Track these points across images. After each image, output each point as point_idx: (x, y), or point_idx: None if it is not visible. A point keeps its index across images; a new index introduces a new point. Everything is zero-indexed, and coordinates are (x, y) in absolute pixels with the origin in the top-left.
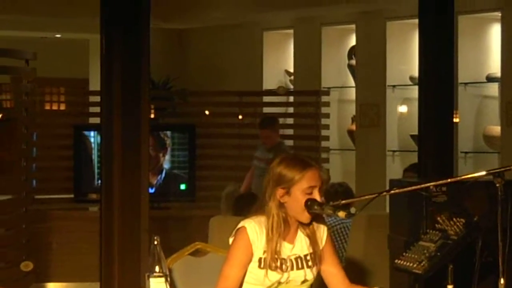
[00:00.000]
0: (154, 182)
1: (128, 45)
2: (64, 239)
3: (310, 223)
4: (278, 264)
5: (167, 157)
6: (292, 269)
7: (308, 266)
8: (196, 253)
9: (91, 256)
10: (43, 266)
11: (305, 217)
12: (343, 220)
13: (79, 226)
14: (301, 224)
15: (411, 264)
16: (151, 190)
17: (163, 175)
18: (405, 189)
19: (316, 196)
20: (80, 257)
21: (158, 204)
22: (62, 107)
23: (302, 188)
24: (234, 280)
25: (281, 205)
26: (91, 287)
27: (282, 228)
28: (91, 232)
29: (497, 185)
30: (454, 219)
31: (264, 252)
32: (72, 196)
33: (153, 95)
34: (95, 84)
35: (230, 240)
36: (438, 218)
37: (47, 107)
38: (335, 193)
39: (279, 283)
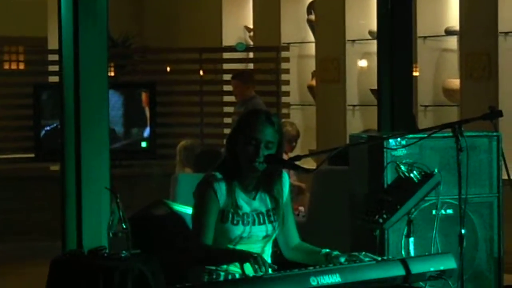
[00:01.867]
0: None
1: (85, 2)
2: (25, 197)
3: (271, 179)
4: (240, 218)
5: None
6: (253, 224)
7: (269, 221)
8: (157, 210)
9: (52, 215)
10: (3, 225)
11: (251, 168)
12: None
13: (40, 185)
14: (263, 179)
15: (371, 217)
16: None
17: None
18: (364, 143)
19: (258, 150)
20: (41, 215)
21: (119, 162)
22: (21, 66)
23: (245, 137)
24: (208, 227)
25: (233, 156)
26: (53, 246)
27: (239, 181)
28: (52, 190)
29: (455, 138)
30: (414, 171)
31: (226, 205)
32: (33, 155)
33: (112, 53)
34: (54, 42)
35: (195, 195)
36: (398, 171)
37: (6, 66)
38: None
39: (241, 237)
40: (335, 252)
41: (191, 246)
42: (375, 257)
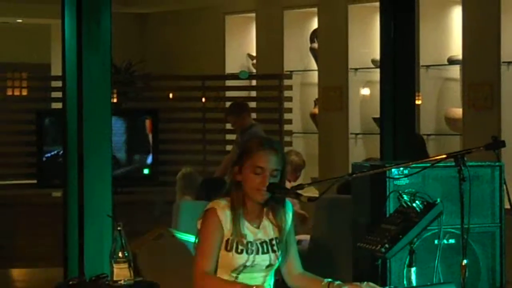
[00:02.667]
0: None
1: (89, 30)
2: (27, 224)
3: (274, 208)
4: (244, 247)
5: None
6: (257, 253)
7: (273, 251)
8: (159, 237)
9: (54, 241)
10: (6, 252)
11: (257, 197)
12: None
13: (42, 211)
14: (267, 208)
15: (373, 247)
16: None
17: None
18: (367, 172)
19: (264, 178)
20: (43, 242)
21: (121, 189)
22: (24, 92)
23: (250, 166)
24: (211, 257)
25: (238, 185)
26: (55, 272)
27: (244, 210)
28: (54, 217)
29: (458, 168)
30: (417, 201)
31: (231, 234)
32: (35, 181)
33: (115, 80)
34: (57, 69)
35: (199, 223)
36: (400, 201)
37: (9, 92)
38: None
39: (245, 266)
40: (338, 282)
41: (194, 275)
42: (378, 287)
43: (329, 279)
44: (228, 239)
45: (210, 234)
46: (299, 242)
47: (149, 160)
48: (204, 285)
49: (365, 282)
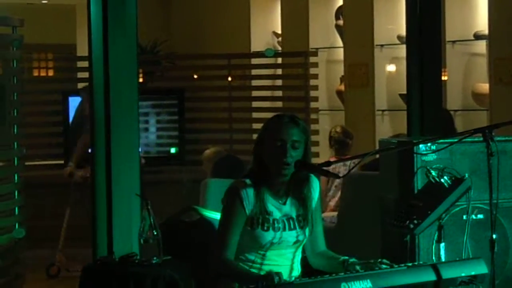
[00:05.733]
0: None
1: (115, 10)
2: (56, 205)
3: (299, 184)
4: (270, 224)
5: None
6: (284, 229)
7: (300, 227)
8: (187, 216)
9: (83, 221)
10: (35, 232)
11: (280, 170)
12: None
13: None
14: (292, 185)
15: (402, 223)
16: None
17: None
18: (395, 149)
19: (285, 150)
20: (72, 222)
21: (149, 168)
22: (50, 73)
23: (271, 140)
24: (230, 240)
25: (261, 162)
26: (83, 252)
27: (268, 187)
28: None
29: (485, 142)
30: (445, 176)
31: (256, 212)
32: (62, 162)
33: (141, 60)
34: (83, 49)
35: (223, 201)
36: (428, 176)
37: (36, 73)
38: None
39: (272, 243)
40: (352, 259)
41: (212, 260)
42: (391, 264)
43: (345, 257)
44: (253, 217)
45: (231, 217)
46: (323, 219)
47: (176, 139)
48: (221, 271)
49: (379, 259)
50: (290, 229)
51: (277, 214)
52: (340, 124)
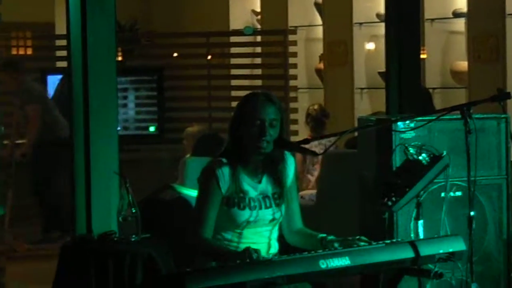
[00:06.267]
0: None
1: None
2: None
3: (274, 162)
4: (246, 203)
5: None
6: (260, 208)
7: (276, 205)
8: (166, 194)
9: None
10: None
11: (258, 149)
12: None
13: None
14: (267, 163)
15: (380, 200)
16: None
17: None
18: (373, 126)
19: (264, 129)
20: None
21: (127, 147)
22: (29, 51)
23: (249, 119)
24: (208, 219)
25: (236, 139)
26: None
27: (244, 166)
28: None
29: (464, 120)
30: (423, 154)
31: (232, 191)
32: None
33: (119, 38)
34: (61, 28)
35: (199, 180)
36: (407, 154)
37: (14, 51)
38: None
39: (248, 222)
40: (330, 237)
41: (189, 238)
42: (369, 241)
43: (323, 234)
44: (229, 196)
45: (207, 197)
46: (302, 197)
47: (155, 116)
48: (199, 249)
49: (357, 237)
50: (266, 207)
51: (253, 193)
52: (319, 102)
